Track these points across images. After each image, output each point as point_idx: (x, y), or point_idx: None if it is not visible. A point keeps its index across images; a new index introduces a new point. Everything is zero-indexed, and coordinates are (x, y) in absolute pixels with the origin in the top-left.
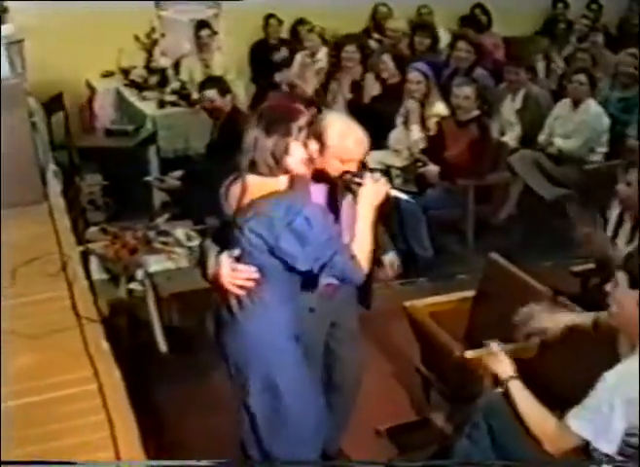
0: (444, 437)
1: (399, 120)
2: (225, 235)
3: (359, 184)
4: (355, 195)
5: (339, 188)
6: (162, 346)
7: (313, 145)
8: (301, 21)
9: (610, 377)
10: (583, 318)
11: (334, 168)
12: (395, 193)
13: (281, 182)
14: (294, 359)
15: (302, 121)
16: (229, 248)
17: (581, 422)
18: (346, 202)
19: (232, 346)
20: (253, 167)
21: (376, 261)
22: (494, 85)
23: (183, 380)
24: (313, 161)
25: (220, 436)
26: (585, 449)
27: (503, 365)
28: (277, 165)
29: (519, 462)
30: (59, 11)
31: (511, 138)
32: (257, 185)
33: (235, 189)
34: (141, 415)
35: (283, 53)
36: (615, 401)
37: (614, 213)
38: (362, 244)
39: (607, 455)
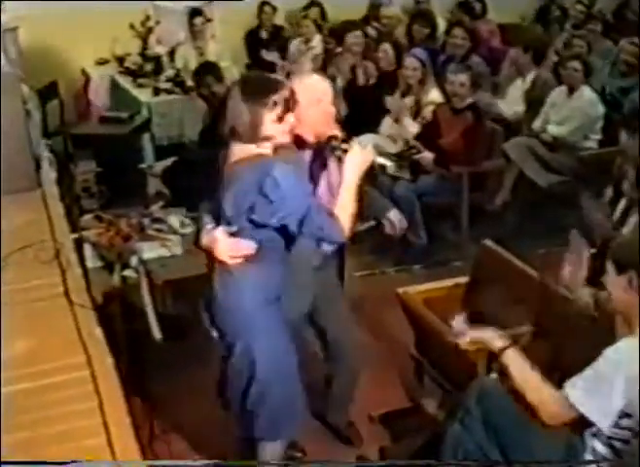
0: (437, 423)
1: (391, 113)
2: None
3: (345, 150)
4: (341, 161)
5: (325, 154)
6: (157, 334)
7: (291, 117)
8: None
9: (611, 353)
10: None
11: (317, 124)
12: (381, 160)
13: (264, 148)
14: (268, 325)
15: (281, 93)
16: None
17: (577, 392)
18: (332, 168)
19: (216, 315)
20: (233, 134)
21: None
22: (489, 72)
23: (177, 367)
24: (291, 131)
25: (214, 423)
26: (579, 424)
27: (493, 337)
28: (254, 134)
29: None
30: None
31: (513, 112)
32: (240, 151)
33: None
34: (135, 402)
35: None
36: (615, 376)
37: (621, 204)
38: (344, 207)
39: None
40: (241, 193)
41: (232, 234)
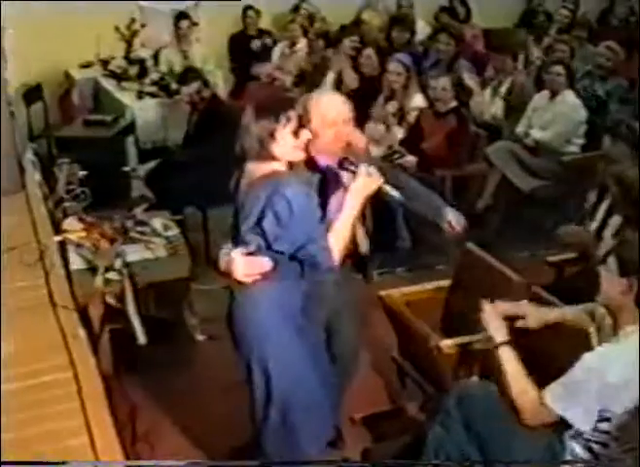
0: (418, 426)
1: (374, 119)
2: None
3: (353, 172)
4: (346, 184)
5: (334, 176)
6: (141, 337)
7: (305, 133)
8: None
9: (590, 358)
10: (573, 312)
11: (330, 144)
12: (388, 189)
13: (279, 167)
14: (283, 342)
15: (292, 112)
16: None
17: (555, 396)
18: (338, 191)
19: (235, 332)
20: (243, 152)
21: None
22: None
23: (159, 370)
24: (306, 148)
25: (196, 425)
26: (559, 427)
27: (498, 328)
28: (263, 150)
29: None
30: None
31: (489, 114)
32: (254, 171)
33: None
34: (118, 404)
35: (258, 43)
36: (592, 382)
37: (603, 205)
38: (339, 232)
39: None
40: (253, 209)
41: (249, 254)
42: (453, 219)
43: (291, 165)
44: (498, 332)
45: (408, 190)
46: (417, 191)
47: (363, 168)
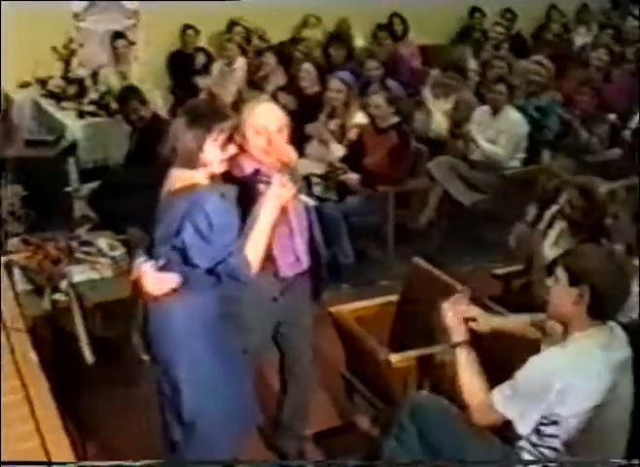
0: (371, 440)
1: (315, 137)
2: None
3: (267, 183)
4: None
5: (250, 187)
6: (89, 357)
7: (232, 148)
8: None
9: (536, 360)
10: (514, 321)
11: (261, 151)
12: (303, 198)
13: (200, 176)
14: (195, 354)
15: (226, 124)
16: None
17: (502, 397)
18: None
19: (149, 342)
20: (172, 157)
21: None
22: (405, 95)
23: (108, 389)
24: (230, 161)
25: (147, 443)
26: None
27: (457, 328)
28: (193, 158)
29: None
30: None
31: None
32: (176, 180)
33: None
34: (67, 425)
35: (201, 60)
36: (537, 384)
37: (547, 214)
38: (256, 244)
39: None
40: (171, 220)
41: (160, 268)
42: None
43: (211, 177)
44: (457, 331)
45: None
46: None
47: (277, 178)
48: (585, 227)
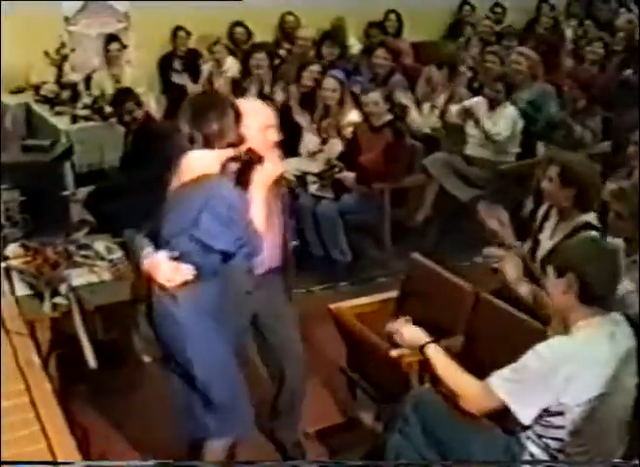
0: (375, 435)
1: (312, 130)
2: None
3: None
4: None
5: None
6: (91, 361)
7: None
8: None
9: (542, 348)
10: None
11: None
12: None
13: (215, 163)
14: (201, 331)
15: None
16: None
17: (502, 381)
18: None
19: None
20: (191, 142)
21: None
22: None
23: (110, 394)
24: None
25: (148, 447)
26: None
27: (414, 334)
28: (224, 137)
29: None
30: None
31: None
32: (187, 171)
33: None
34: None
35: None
36: (542, 371)
37: (542, 208)
38: (259, 220)
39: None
40: (186, 211)
41: (174, 259)
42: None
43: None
44: (416, 337)
45: None
46: None
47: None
48: (567, 209)
